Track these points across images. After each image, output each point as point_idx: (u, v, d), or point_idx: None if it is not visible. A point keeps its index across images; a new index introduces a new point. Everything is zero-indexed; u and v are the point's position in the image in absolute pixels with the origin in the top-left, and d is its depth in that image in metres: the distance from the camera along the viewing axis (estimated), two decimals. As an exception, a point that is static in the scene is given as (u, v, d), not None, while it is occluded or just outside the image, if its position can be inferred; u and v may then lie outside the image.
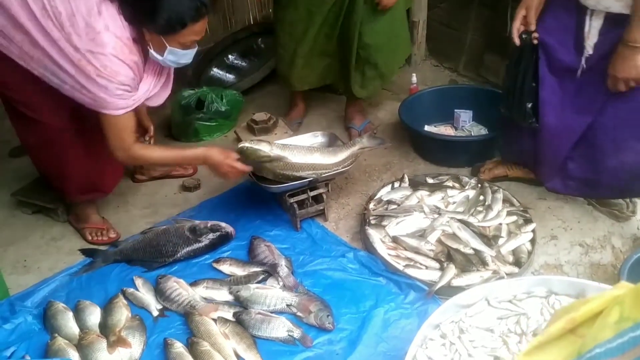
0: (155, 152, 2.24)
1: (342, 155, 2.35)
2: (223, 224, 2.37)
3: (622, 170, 2.10)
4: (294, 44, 2.75)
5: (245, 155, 2.23)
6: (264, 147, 2.22)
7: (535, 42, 2.07)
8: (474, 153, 2.68)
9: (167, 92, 2.20)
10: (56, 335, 1.93)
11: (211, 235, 2.32)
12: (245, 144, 2.23)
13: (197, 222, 2.37)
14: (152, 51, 1.96)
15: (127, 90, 1.95)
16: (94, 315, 2.02)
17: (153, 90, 2.10)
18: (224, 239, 2.35)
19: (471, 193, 2.42)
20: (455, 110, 2.94)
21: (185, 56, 2.01)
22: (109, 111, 1.96)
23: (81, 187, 2.35)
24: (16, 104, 2.10)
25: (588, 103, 2.05)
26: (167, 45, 1.93)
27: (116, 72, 1.88)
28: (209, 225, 2.35)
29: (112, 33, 1.85)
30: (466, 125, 2.93)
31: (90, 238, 2.43)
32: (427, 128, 2.91)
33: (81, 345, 1.89)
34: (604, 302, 1.03)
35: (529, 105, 2.17)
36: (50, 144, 2.19)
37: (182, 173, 2.81)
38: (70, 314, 2.02)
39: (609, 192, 2.26)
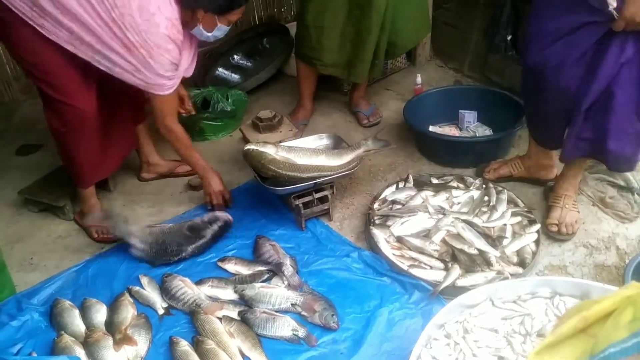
0: (182, 135, 2.37)
1: (347, 157, 2.36)
2: (218, 213, 2.38)
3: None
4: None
5: (250, 157, 2.24)
6: (270, 150, 2.23)
7: None
8: (478, 153, 2.68)
9: (195, 62, 2.29)
10: (62, 332, 1.94)
11: (212, 229, 2.32)
12: (251, 146, 2.24)
13: (195, 219, 2.38)
14: (200, 29, 2.12)
15: (174, 70, 2.12)
16: (100, 313, 2.03)
17: (191, 65, 2.25)
18: (225, 228, 2.37)
19: (476, 193, 2.43)
20: (460, 110, 2.94)
21: (226, 31, 2.21)
22: (158, 92, 2.16)
23: (97, 170, 2.42)
24: (43, 84, 2.12)
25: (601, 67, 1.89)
26: (218, 23, 2.12)
27: (167, 50, 2.03)
28: (205, 219, 2.36)
29: (164, 14, 1.98)
30: (471, 125, 2.93)
31: (96, 236, 2.44)
32: (431, 128, 2.91)
33: (87, 342, 1.91)
34: (616, 302, 1.03)
35: (509, 37, 2.26)
36: (76, 128, 2.21)
37: (187, 171, 2.82)
38: (77, 312, 2.04)
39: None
